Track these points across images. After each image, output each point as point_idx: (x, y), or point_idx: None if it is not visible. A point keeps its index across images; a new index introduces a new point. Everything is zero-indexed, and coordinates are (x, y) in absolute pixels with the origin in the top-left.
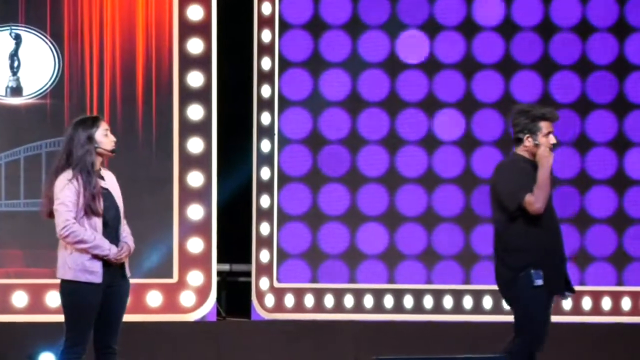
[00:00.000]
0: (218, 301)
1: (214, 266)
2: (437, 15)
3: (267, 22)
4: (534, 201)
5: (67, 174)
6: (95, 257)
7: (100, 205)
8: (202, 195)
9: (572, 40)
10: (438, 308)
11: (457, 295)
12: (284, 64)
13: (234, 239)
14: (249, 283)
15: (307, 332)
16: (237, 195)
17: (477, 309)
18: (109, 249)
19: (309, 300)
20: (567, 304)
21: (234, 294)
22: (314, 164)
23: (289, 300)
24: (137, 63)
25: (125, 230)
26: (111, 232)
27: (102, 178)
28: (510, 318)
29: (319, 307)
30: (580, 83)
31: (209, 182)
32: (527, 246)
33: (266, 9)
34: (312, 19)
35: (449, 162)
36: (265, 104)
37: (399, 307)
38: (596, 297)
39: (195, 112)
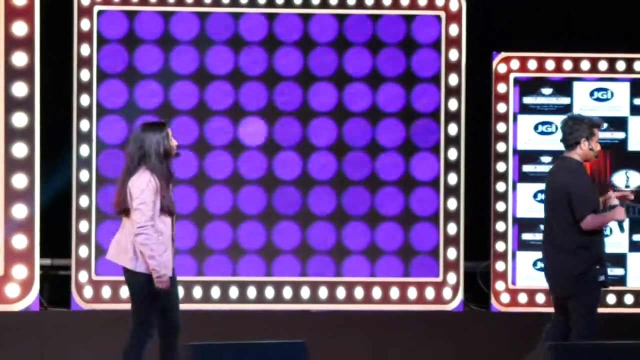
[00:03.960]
0: (40, 293)
1: (37, 261)
2: (242, 31)
3: (86, 37)
4: (588, 224)
5: (147, 175)
6: (167, 251)
7: (174, 206)
8: (26, 195)
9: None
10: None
11: (260, 285)
12: (102, 76)
13: (56, 235)
14: (69, 276)
15: (123, 320)
16: (58, 196)
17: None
18: (163, 273)
19: (124, 292)
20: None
21: (56, 286)
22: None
23: (106, 291)
24: None
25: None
26: (173, 230)
27: None
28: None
29: None
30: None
31: (33, 183)
32: (594, 244)
33: (85, 25)
34: (127, 35)
35: (254, 165)
36: (84, 112)
37: (207, 297)
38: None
39: (19, 119)
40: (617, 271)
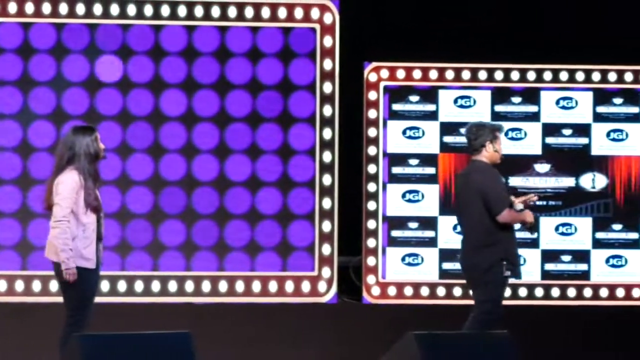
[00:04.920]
0: None
1: None
2: (129, 42)
3: None
4: (504, 218)
5: (73, 174)
6: (90, 245)
7: (100, 204)
8: None
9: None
10: (130, 291)
11: (147, 280)
12: None
13: None
14: None
15: (18, 313)
16: None
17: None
18: (72, 266)
19: (19, 285)
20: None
21: None
22: (24, 168)
23: (2, 285)
24: None
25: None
26: (100, 228)
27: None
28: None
29: (28, 291)
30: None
31: None
32: (505, 239)
33: None
34: (22, 45)
35: (141, 167)
36: None
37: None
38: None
39: None
40: None
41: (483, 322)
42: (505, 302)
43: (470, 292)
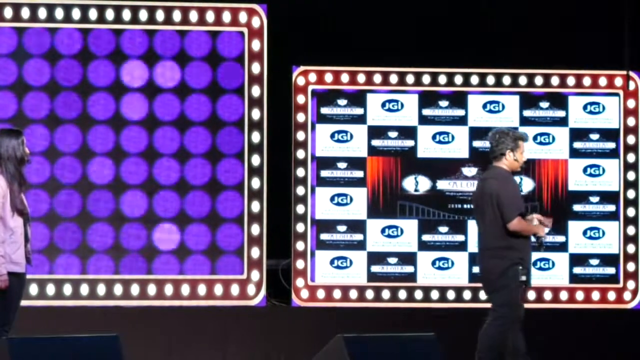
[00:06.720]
0: None
1: None
2: (58, 45)
3: None
4: (514, 226)
5: (0, 180)
6: (19, 249)
7: (26, 207)
8: None
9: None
10: (59, 295)
11: (76, 283)
12: None
13: None
14: None
15: None
16: None
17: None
18: (3, 273)
19: None
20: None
21: None
22: None
23: None
24: None
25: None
26: (26, 230)
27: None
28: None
29: None
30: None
31: None
32: (518, 245)
33: None
34: None
35: (70, 170)
36: None
37: (25, 294)
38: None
39: None
40: (407, 269)
41: (500, 327)
42: (439, 306)
43: (485, 296)
